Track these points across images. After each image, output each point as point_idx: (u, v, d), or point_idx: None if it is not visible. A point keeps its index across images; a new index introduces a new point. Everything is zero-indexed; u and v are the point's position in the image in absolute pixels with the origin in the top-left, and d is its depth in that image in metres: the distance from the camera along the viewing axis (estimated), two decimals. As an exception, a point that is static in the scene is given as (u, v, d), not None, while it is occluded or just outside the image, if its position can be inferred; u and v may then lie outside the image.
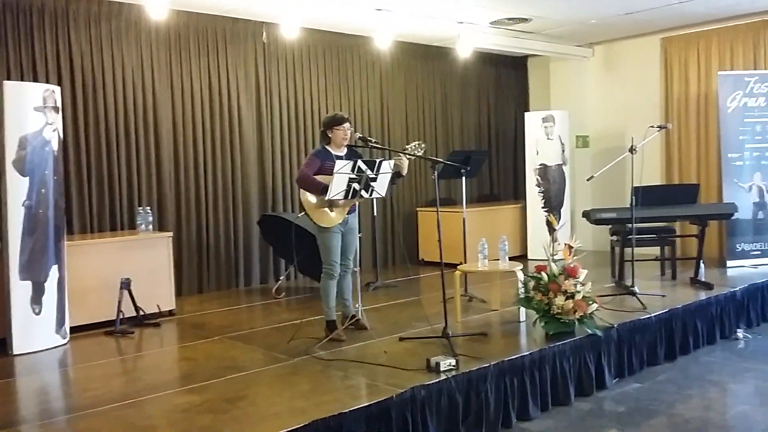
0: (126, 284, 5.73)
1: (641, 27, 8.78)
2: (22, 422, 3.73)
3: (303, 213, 5.03)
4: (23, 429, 3.62)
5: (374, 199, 6.72)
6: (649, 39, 9.10)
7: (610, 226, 7.26)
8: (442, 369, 4.11)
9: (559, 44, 9.32)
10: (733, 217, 7.02)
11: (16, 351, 5.09)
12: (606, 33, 9.13)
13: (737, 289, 6.40)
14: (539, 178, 9.05)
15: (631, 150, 6.20)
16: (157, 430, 3.48)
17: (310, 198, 4.95)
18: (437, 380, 3.99)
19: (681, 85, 8.86)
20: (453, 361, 4.18)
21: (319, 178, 4.93)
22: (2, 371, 4.75)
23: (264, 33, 7.67)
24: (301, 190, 5.00)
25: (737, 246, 7.70)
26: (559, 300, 4.82)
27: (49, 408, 4.03)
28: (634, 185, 6.18)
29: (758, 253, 7.71)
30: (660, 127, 6.69)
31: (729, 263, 7.66)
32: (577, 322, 4.86)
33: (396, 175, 5.12)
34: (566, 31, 8.77)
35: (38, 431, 3.59)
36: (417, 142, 5.27)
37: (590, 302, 4.91)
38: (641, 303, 5.75)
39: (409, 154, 5.16)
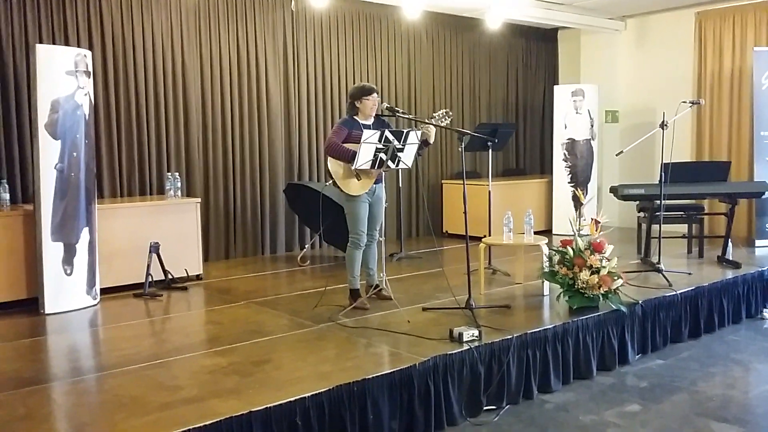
0: (155, 248, 5.83)
1: (675, 0, 8.60)
2: (54, 379, 3.83)
3: (331, 181, 5.05)
4: (54, 386, 3.72)
5: (399, 170, 6.71)
6: (684, 13, 8.90)
7: (637, 203, 7.19)
8: (465, 339, 4.13)
9: (590, 17, 9.16)
10: (763, 196, 6.91)
11: (47, 310, 5.22)
12: (639, 6, 8.96)
13: (765, 268, 6.33)
14: (566, 153, 8.97)
15: (662, 125, 6.11)
16: (184, 390, 3.55)
17: (338, 166, 4.96)
18: (460, 350, 4.02)
19: (715, 61, 8.68)
20: (476, 332, 4.20)
21: (347, 146, 4.93)
22: (34, 330, 4.88)
23: (293, 1, 7.63)
24: (329, 159, 5.01)
25: (767, 225, 7.59)
26: (584, 275, 4.81)
27: (79, 366, 4.13)
28: (664, 161, 6.10)
29: (788, 233, 7.61)
30: (692, 102, 6.58)
31: (758, 242, 7.56)
32: (601, 297, 4.85)
33: (423, 143, 5.12)
34: (598, 3, 8.61)
35: (69, 388, 3.69)
36: (444, 110, 5.25)
37: (615, 278, 4.89)
38: (667, 280, 5.72)
39: (435, 124, 5.15)
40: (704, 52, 8.76)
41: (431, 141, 5.19)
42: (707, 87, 8.72)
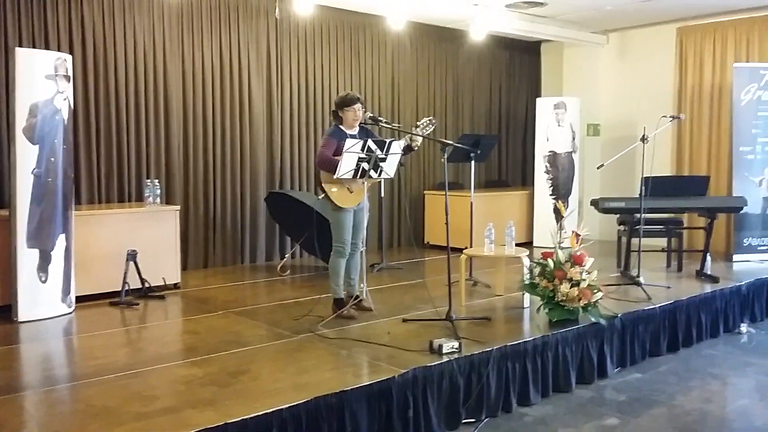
0: (132, 256, 5.75)
1: (657, 15, 8.70)
2: (26, 388, 3.77)
3: (323, 195, 5.01)
4: (27, 395, 3.66)
5: (382, 181, 6.71)
6: (665, 28, 9.01)
7: (617, 216, 7.23)
8: (444, 351, 4.12)
9: (573, 30, 9.24)
10: (742, 211, 6.99)
11: (21, 318, 5.13)
12: (621, 20, 9.04)
13: (743, 283, 6.37)
14: (548, 165, 9.01)
15: (643, 139, 6.15)
16: (160, 401, 3.50)
17: (331, 179, 4.91)
18: (439, 362, 4.00)
19: (695, 76, 8.78)
20: (456, 344, 4.18)
21: (337, 159, 4.89)
22: (7, 338, 4.79)
23: (277, 8, 7.61)
24: (321, 172, 4.98)
25: (744, 240, 7.67)
26: (564, 287, 4.81)
27: (53, 375, 4.05)
28: (644, 175, 6.14)
29: (765, 248, 7.69)
30: (673, 117, 6.65)
31: (735, 257, 7.63)
32: (581, 310, 4.86)
33: (407, 148, 5.12)
34: (581, 17, 8.69)
35: (42, 398, 3.62)
36: (428, 118, 5.27)
37: (595, 291, 4.90)
38: (646, 294, 5.74)
39: (420, 134, 5.17)
40: (685, 68, 8.86)
41: (415, 148, 5.21)
42: (688, 102, 8.82)
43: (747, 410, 4.42)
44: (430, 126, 5.23)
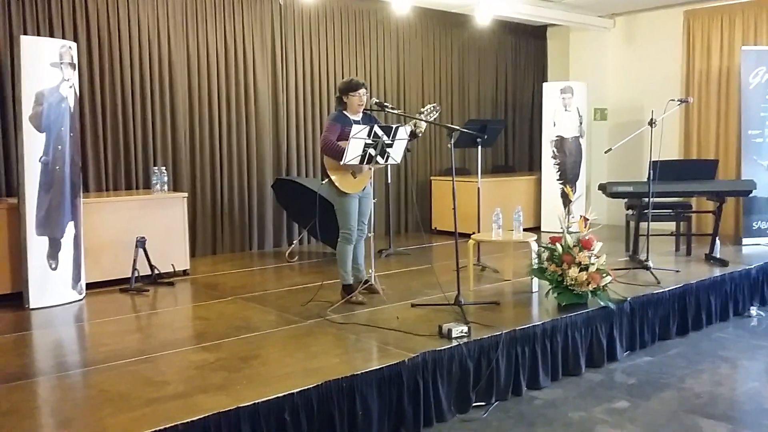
0: (141, 243, 5.77)
1: (665, -1, 8.65)
2: (39, 374, 3.79)
3: (327, 181, 5.01)
4: (40, 381, 3.68)
5: (389, 166, 6.72)
6: (672, 11, 8.94)
7: (625, 200, 7.21)
8: (453, 336, 4.12)
9: (580, 14, 9.17)
10: (750, 195, 6.95)
11: (32, 305, 5.16)
12: (628, 4, 8.98)
13: (752, 266, 6.35)
14: (555, 150, 8.98)
15: (651, 123, 6.12)
16: (171, 386, 3.51)
17: (335, 164, 4.90)
18: (449, 346, 4.01)
19: (703, 60, 8.72)
20: (465, 329, 4.19)
21: (341, 144, 4.89)
22: (19, 324, 4.82)
23: (282, -6, 7.59)
24: (325, 157, 4.98)
25: (754, 224, 7.64)
26: (573, 271, 4.81)
27: (65, 361, 4.07)
28: (652, 159, 6.11)
29: (774, 231, 7.66)
30: (681, 100, 6.60)
31: (745, 241, 7.60)
32: (590, 294, 4.86)
33: (411, 134, 5.10)
34: (588, 0, 8.62)
35: (54, 383, 3.64)
36: (432, 105, 5.27)
37: (604, 275, 4.89)
38: (655, 277, 5.73)
39: (424, 119, 5.16)
40: (692, 51, 8.79)
41: (418, 134, 5.20)
42: (695, 85, 8.76)
43: (757, 393, 4.41)
44: (434, 112, 5.23)
